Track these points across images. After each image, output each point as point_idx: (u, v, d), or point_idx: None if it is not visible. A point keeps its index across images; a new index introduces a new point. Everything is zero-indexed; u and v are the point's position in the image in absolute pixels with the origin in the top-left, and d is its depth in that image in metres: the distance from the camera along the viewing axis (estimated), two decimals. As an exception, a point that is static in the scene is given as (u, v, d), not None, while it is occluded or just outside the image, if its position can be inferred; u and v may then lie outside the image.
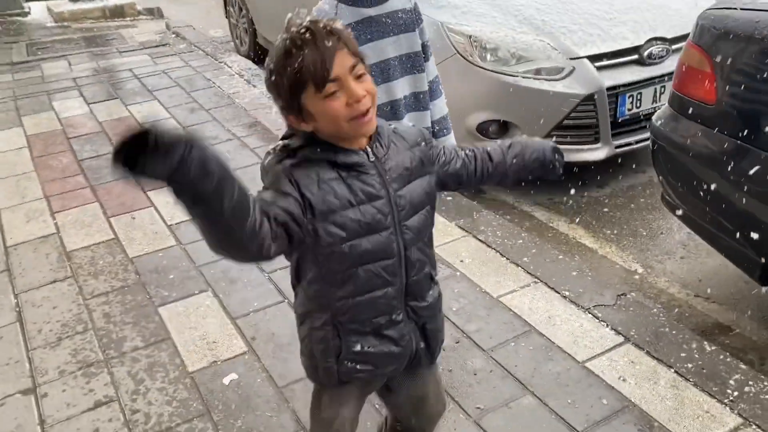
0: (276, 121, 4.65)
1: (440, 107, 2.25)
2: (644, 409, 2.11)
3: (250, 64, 6.01)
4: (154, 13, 8.28)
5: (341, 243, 1.24)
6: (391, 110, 2.11)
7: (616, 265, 3.04)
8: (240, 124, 4.64)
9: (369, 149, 1.27)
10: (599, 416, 2.09)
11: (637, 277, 2.95)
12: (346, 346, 1.37)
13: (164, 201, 3.61)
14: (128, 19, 8.13)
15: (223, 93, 5.26)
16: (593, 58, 3.44)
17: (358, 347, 1.37)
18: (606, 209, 3.55)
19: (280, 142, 1.28)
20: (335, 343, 1.37)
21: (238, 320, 2.63)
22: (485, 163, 1.50)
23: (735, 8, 2.36)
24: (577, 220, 3.48)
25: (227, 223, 1.04)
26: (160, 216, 3.47)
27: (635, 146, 3.58)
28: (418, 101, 2.16)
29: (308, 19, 1.18)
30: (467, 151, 1.50)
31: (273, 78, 1.19)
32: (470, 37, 3.51)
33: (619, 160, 3.69)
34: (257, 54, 6.20)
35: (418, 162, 1.35)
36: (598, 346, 2.37)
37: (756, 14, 2.25)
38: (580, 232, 3.37)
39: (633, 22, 3.60)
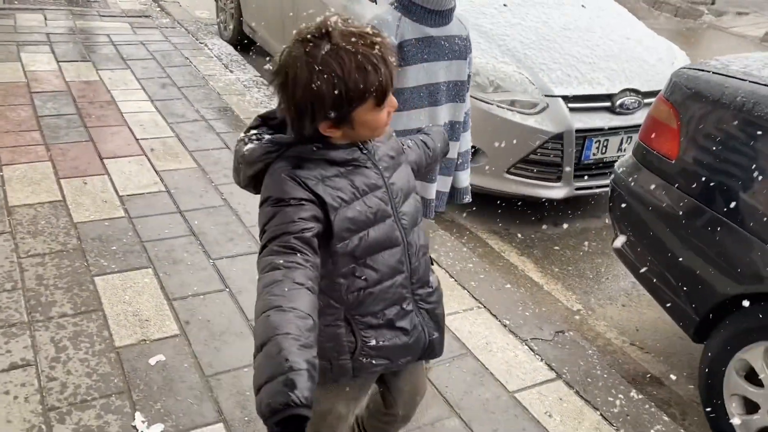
0: (247, 110, 4.59)
1: (467, 140, 2.25)
2: (565, 447, 2.13)
3: (230, 49, 5.94)
4: (142, -17, 8.12)
5: (353, 235, 1.25)
6: None
7: (559, 302, 3.08)
8: (210, 107, 4.57)
9: (360, 143, 1.28)
10: (521, 448, 2.10)
11: (577, 317, 2.99)
12: (361, 342, 1.35)
13: (119, 170, 3.52)
14: (114, -16, 7.95)
15: (199, 73, 5.18)
16: (567, 99, 3.50)
17: (373, 342, 1.36)
18: (557, 247, 3.60)
19: (265, 136, 1.26)
20: (349, 339, 1.35)
21: (175, 302, 2.57)
22: (426, 151, 1.61)
23: (708, 71, 2.43)
24: (528, 253, 3.52)
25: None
26: (112, 185, 3.38)
27: (595, 190, 3.64)
28: (454, 131, 2.16)
29: (370, 28, 1.17)
30: (416, 141, 1.61)
31: (338, 90, 1.13)
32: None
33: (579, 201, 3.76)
34: (239, 41, 6.14)
35: (396, 150, 1.39)
36: (530, 379, 2.39)
37: (726, 80, 2.32)
38: (530, 265, 3.41)
39: (610, 70, 3.68)
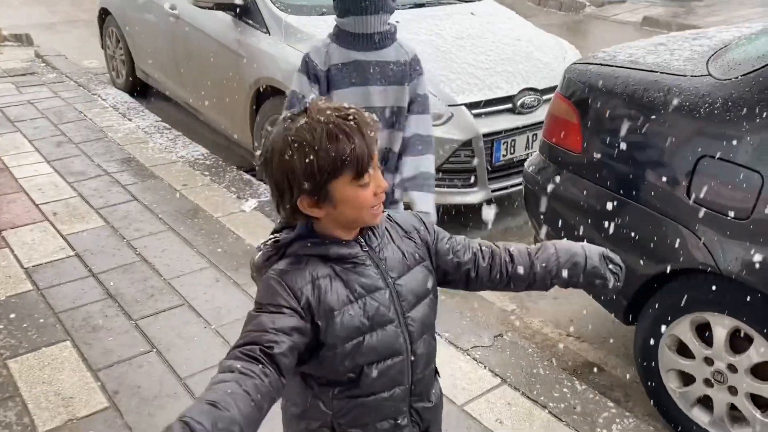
0: (152, 157, 4.43)
1: (414, 165, 2.18)
2: (520, 452, 2.13)
3: (126, 97, 5.73)
4: (23, 39, 7.73)
5: (345, 342, 1.16)
6: None
7: (493, 305, 3.10)
8: (112, 159, 4.38)
9: (362, 240, 1.21)
10: (477, 461, 2.09)
11: (513, 317, 3.02)
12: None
13: (20, 240, 3.30)
14: (-8, 44, 7.55)
15: (95, 126, 4.96)
16: (470, 106, 3.56)
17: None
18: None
19: (272, 237, 1.22)
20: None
21: (100, 373, 2.42)
22: (503, 263, 1.34)
23: (597, 63, 2.53)
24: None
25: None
26: (15, 257, 3.16)
27: (510, 190, 3.72)
28: (388, 159, 2.16)
29: (347, 105, 1.15)
30: (483, 247, 1.36)
31: (308, 159, 1.09)
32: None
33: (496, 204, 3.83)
34: (135, 87, 5.94)
35: (415, 249, 1.28)
36: (476, 389, 2.39)
37: (615, 70, 2.42)
38: (460, 273, 3.43)
39: (507, 73, 3.78)
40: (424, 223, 1.33)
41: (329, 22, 3.91)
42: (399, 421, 1.26)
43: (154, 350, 2.55)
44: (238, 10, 4.15)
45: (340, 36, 2.07)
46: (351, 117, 1.12)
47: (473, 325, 2.74)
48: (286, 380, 1.09)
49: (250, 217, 3.62)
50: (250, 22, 4.12)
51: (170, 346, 2.58)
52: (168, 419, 2.16)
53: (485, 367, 2.50)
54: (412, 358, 1.24)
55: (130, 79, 5.94)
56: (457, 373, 2.45)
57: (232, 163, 4.47)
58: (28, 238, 3.35)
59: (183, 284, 3.00)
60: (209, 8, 4.18)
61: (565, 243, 1.37)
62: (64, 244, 3.30)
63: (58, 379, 2.38)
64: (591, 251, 1.35)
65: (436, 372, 1.36)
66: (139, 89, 5.94)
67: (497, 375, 2.46)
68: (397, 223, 1.30)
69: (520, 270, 1.33)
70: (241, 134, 4.42)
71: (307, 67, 2.09)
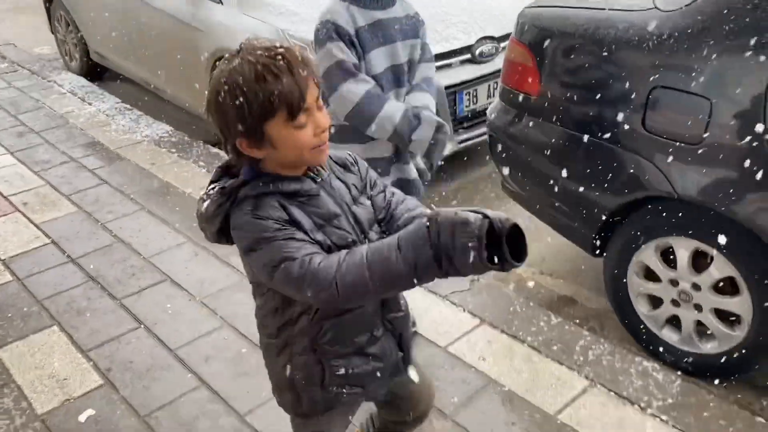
0: (117, 139, 4.40)
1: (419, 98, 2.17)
2: (504, 384, 2.24)
3: (83, 81, 5.63)
4: (-33, 31, 7.50)
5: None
6: (397, 132, 2.04)
7: (468, 253, 3.19)
8: (76, 145, 4.34)
9: (312, 173, 1.25)
10: (464, 397, 2.19)
11: (488, 262, 3.11)
12: (329, 371, 1.32)
13: (-6, 234, 3.30)
14: (-65, 38, 7.30)
15: (55, 113, 4.89)
16: (430, 59, 3.59)
17: (342, 371, 1.32)
18: (454, 202, 3.73)
19: (215, 185, 1.23)
20: (317, 369, 1.32)
21: (91, 352, 2.46)
22: (395, 216, 1.39)
23: (549, 6, 2.57)
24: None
25: None
26: (-10, 251, 3.16)
27: (476, 140, 3.78)
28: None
29: (278, 44, 1.15)
30: (390, 195, 1.41)
31: (239, 101, 1.11)
32: (311, 43, 3.53)
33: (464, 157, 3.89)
34: (91, 70, 5.83)
35: (357, 180, 1.35)
36: (458, 331, 2.49)
37: (566, 11, 2.48)
38: (434, 225, 3.51)
39: (464, 24, 3.80)
40: (356, 162, 1.39)
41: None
42: (375, 333, 1.36)
43: (142, 326, 2.60)
44: (189, -18, 4.09)
45: None
46: (280, 56, 1.13)
47: (450, 273, 2.83)
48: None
49: (223, 190, 3.63)
50: (203, -8, 4.07)
51: (157, 320, 2.63)
52: (164, 390, 2.28)
53: (464, 310, 2.60)
54: None
55: (85, 62, 5.83)
56: (438, 318, 2.55)
57: (198, 138, 4.46)
58: (0, 230, 3.34)
59: (163, 261, 3.03)
60: (159, -17, 4.11)
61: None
62: (39, 233, 3.29)
63: (49, 363, 2.42)
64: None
65: None
66: (96, 72, 5.84)
67: (476, 316, 2.56)
68: (332, 158, 1.34)
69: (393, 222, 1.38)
70: (204, 108, 4.38)
71: (339, 32, 1.97)
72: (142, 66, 4.96)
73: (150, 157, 4.13)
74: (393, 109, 2.00)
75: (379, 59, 2.02)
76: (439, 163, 2.21)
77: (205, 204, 1.23)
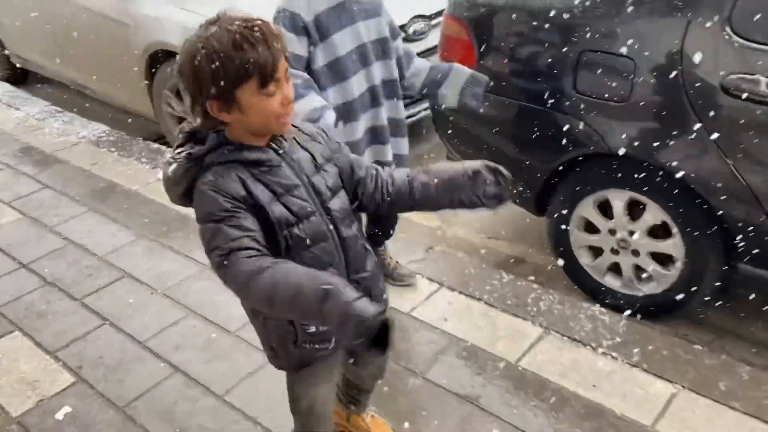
0: (52, 142, 4.30)
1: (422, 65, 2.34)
2: (467, 340, 2.39)
3: (6, 86, 5.45)
4: None
5: (277, 232, 1.30)
6: (371, 96, 2.13)
7: (421, 225, 3.32)
8: (10, 152, 4.22)
9: (274, 145, 1.33)
10: (432, 355, 2.33)
11: (439, 232, 3.26)
12: (301, 330, 1.42)
13: (-63, 247, 3.21)
14: None
15: (-19, 122, 4.73)
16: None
17: (312, 329, 1.42)
18: (402, 177, 3.85)
19: (182, 150, 1.29)
20: (290, 329, 1.42)
21: (58, 353, 2.47)
22: (385, 185, 1.47)
23: (478, -18, 2.70)
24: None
25: None
26: (-65, 264, 3.08)
27: (420, 115, 3.90)
28: (393, 89, 2.22)
29: (255, 17, 1.23)
30: (372, 170, 1.49)
31: (215, 65, 1.18)
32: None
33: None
34: (12, 75, 5.63)
35: (323, 149, 1.42)
36: (419, 296, 2.62)
37: (495, -14, 2.61)
38: (383, 201, 3.62)
39: (395, 3, 3.86)
40: (326, 132, 1.48)
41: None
42: None
43: (107, 322, 2.61)
44: (114, -23, 4.03)
45: None
46: (257, 28, 1.21)
47: (406, 244, 2.96)
48: None
49: (170, 184, 3.63)
50: (130, -13, 4.01)
51: (122, 316, 2.64)
52: (139, 380, 2.34)
53: (423, 276, 2.73)
54: (341, 241, 1.41)
55: (5, 68, 5.63)
56: (400, 286, 2.67)
57: (138, 135, 4.41)
58: (-55, 242, 3.25)
59: (119, 258, 3.03)
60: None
61: (442, 165, 1.46)
62: (-16, 243, 3.23)
63: (17, 367, 2.41)
64: (469, 166, 1.41)
65: (367, 250, 1.51)
66: (19, 76, 5.65)
67: (434, 281, 2.70)
68: (300, 129, 1.43)
69: (401, 193, 1.46)
70: (140, 104, 4.34)
71: (293, 21, 2.01)
72: (69, 66, 4.84)
73: (90, 157, 4.07)
74: (305, 104, 2.00)
75: (344, 41, 2.08)
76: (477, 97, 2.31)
77: (172, 167, 1.29)
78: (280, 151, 1.34)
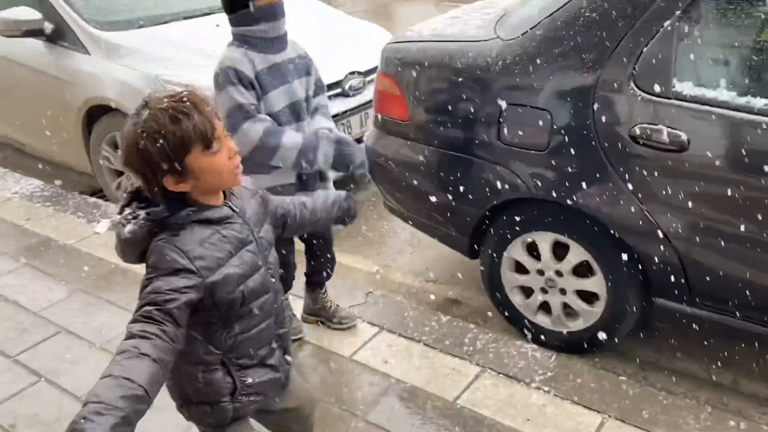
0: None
1: (321, 121, 2.48)
2: (407, 382, 2.46)
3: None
4: None
5: (236, 288, 1.41)
6: (302, 153, 2.26)
7: (360, 270, 3.41)
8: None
9: (230, 203, 1.43)
10: (372, 397, 2.39)
11: (378, 276, 3.35)
12: (239, 382, 1.48)
13: None
14: None
15: None
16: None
17: (249, 380, 1.50)
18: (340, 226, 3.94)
19: (131, 210, 1.35)
20: (227, 381, 1.47)
21: (-9, 413, 2.40)
22: (303, 211, 1.74)
23: (408, 41, 2.89)
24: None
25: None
26: None
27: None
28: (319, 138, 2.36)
29: (182, 90, 1.34)
30: (290, 206, 1.72)
31: (159, 143, 1.28)
32: (187, 86, 3.64)
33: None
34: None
35: (261, 207, 1.56)
36: (359, 340, 2.69)
37: (423, 44, 2.79)
38: (324, 249, 3.70)
39: (332, 60, 4.07)
40: (259, 191, 1.61)
41: (148, 33, 4.01)
42: (272, 345, 1.57)
43: (43, 379, 2.56)
44: (48, 34, 4.05)
45: (253, 43, 2.22)
46: (186, 99, 1.33)
47: (347, 289, 3.03)
48: (184, 330, 1.30)
49: (107, 237, 3.60)
50: (66, 44, 4.05)
51: (58, 372, 2.60)
52: None
53: (363, 320, 2.80)
54: (274, 293, 1.53)
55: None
56: (340, 331, 2.73)
57: (73, 189, 4.37)
58: None
59: (54, 313, 2.98)
60: (17, 36, 4.04)
61: (324, 192, 1.87)
62: None
63: (-55, 430, 2.34)
64: (341, 194, 1.92)
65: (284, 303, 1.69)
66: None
67: (375, 325, 2.77)
68: (244, 187, 1.54)
69: (312, 216, 1.77)
70: (76, 158, 4.32)
71: (239, 77, 2.19)
72: (1, 121, 4.78)
73: (24, 213, 4.01)
74: (291, 137, 2.26)
75: (278, 98, 2.27)
76: (364, 172, 2.50)
77: (129, 227, 1.34)
78: (236, 209, 1.45)
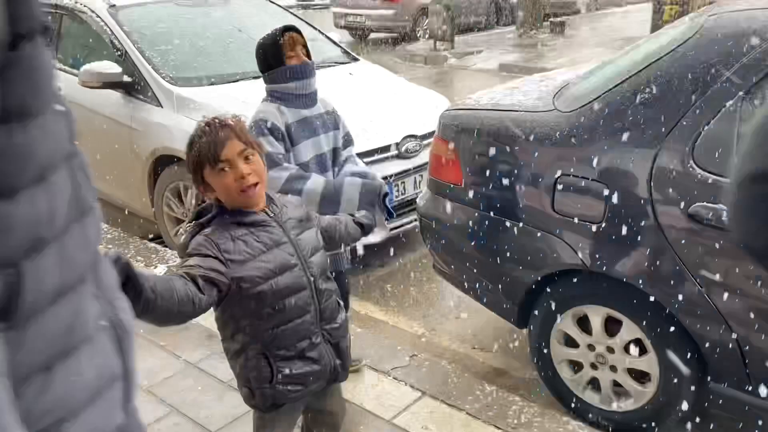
0: None
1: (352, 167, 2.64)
2: (447, 450, 2.40)
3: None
4: None
5: (262, 283, 1.54)
6: (324, 198, 2.41)
7: (405, 331, 3.40)
8: None
9: (267, 210, 1.67)
10: (411, 463, 2.33)
11: (423, 339, 3.33)
12: (277, 371, 1.61)
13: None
14: None
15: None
16: (362, 155, 3.90)
17: (287, 371, 1.63)
18: (389, 285, 3.96)
19: (191, 224, 1.60)
20: (267, 370, 1.61)
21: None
22: (337, 225, 1.97)
23: (466, 108, 2.95)
24: (367, 297, 3.83)
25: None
26: None
27: (407, 227, 4.07)
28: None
29: (223, 115, 1.61)
30: (331, 216, 2.01)
31: (187, 156, 1.59)
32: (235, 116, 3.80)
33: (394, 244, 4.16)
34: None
35: (305, 217, 1.76)
36: (401, 404, 2.64)
37: (481, 112, 2.85)
38: (370, 307, 3.71)
39: (390, 123, 4.18)
40: (306, 211, 1.83)
41: (219, 90, 4.21)
42: (314, 340, 1.69)
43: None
44: (126, 87, 4.31)
45: (285, 98, 2.43)
46: (212, 122, 1.57)
47: (391, 350, 3.01)
48: (206, 298, 1.46)
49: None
50: (141, 97, 4.29)
51: (104, 411, 2.64)
52: None
53: (406, 384, 2.77)
54: (317, 292, 1.68)
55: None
56: (382, 393, 2.71)
57: (135, 234, 4.53)
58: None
59: (106, 353, 3.04)
60: (98, 88, 4.30)
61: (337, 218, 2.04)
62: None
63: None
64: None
65: (340, 306, 1.82)
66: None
67: (417, 389, 2.73)
68: (290, 200, 1.80)
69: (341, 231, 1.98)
70: (141, 204, 4.51)
71: (270, 129, 2.38)
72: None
73: (86, 253, 4.16)
74: (314, 184, 2.39)
75: (306, 149, 2.45)
76: (389, 208, 2.58)
77: (184, 237, 1.58)
78: (272, 214, 1.64)
